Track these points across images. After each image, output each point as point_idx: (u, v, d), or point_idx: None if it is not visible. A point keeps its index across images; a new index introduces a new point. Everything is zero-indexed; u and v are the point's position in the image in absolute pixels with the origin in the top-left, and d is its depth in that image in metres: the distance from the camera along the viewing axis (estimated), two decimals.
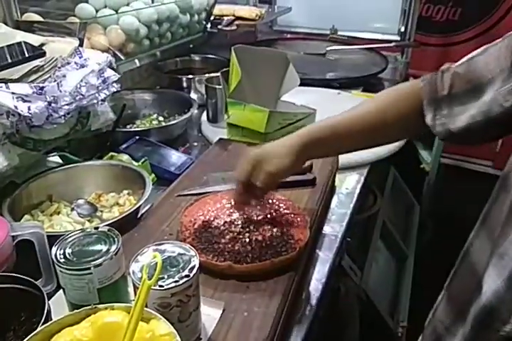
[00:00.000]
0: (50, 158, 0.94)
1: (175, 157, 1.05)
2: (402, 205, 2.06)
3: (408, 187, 2.09)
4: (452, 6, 2.06)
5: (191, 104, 1.24)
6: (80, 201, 0.86)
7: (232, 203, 0.77)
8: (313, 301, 0.74)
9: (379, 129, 0.69)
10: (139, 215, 0.80)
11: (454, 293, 0.62)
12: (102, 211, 0.84)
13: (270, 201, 0.81)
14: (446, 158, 2.31)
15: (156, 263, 0.47)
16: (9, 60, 0.85)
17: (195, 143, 1.23)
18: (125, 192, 0.87)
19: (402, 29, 1.87)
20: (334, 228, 0.90)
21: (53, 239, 0.63)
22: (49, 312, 0.47)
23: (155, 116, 1.31)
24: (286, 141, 0.70)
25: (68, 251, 0.54)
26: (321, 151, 0.73)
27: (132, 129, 1.20)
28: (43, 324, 0.44)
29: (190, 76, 1.40)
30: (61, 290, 0.59)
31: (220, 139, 1.09)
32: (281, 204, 0.80)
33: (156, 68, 1.48)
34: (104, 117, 0.93)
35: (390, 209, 1.75)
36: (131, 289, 0.58)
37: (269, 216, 0.76)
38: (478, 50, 0.60)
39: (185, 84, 1.40)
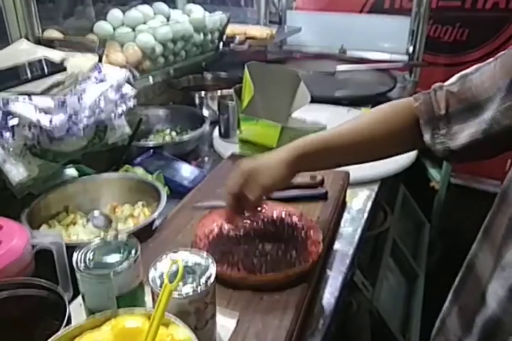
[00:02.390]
0: (66, 170, 0.95)
1: (188, 171, 1.07)
2: (411, 223, 2.05)
3: (418, 205, 2.08)
4: (460, 26, 2.10)
5: (203, 120, 1.27)
6: (96, 212, 0.86)
7: (224, 217, 0.76)
8: (326, 315, 0.74)
9: (370, 144, 0.69)
10: (153, 227, 0.81)
11: (462, 304, 0.62)
12: (117, 222, 0.85)
13: (283, 213, 0.82)
14: (456, 177, 2.30)
15: (175, 271, 0.47)
16: (29, 76, 0.89)
17: (207, 158, 1.25)
18: (140, 204, 0.88)
19: (411, 49, 1.90)
20: (346, 243, 0.90)
21: (70, 248, 0.64)
22: (70, 316, 0.48)
23: (168, 131, 1.33)
24: (279, 154, 0.70)
25: (89, 258, 0.55)
26: (312, 165, 0.73)
27: (147, 144, 1.22)
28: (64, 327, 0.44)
29: (203, 93, 1.43)
30: (77, 299, 0.60)
31: (233, 154, 1.11)
32: (294, 217, 0.81)
33: (170, 85, 1.52)
34: (120, 131, 0.95)
35: (400, 226, 1.75)
36: (147, 298, 0.58)
37: (282, 228, 0.77)
38: (470, 69, 0.61)
39: (197, 101, 1.43)
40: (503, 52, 0.58)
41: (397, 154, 0.71)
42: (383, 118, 0.69)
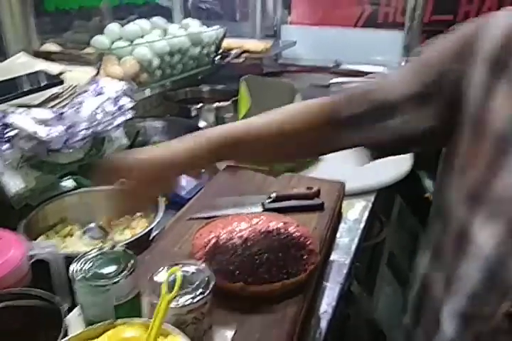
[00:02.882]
0: (64, 182, 0.96)
1: (185, 182, 1.07)
2: (408, 234, 2.05)
3: (414, 215, 2.09)
4: None
5: None
6: (92, 224, 0.87)
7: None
8: (324, 325, 0.74)
9: (282, 142, 0.67)
10: (151, 237, 0.81)
11: (423, 328, 0.60)
12: (114, 233, 0.86)
13: (280, 224, 0.82)
14: None
15: (173, 281, 0.48)
16: (27, 88, 0.89)
17: (203, 170, 1.26)
18: (137, 215, 0.88)
19: (404, 62, 1.93)
20: (342, 254, 0.90)
21: (68, 259, 0.64)
22: (66, 328, 0.48)
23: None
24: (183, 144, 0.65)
25: (86, 268, 0.55)
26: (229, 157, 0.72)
27: None
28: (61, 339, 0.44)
29: (199, 105, 1.44)
30: (74, 310, 0.59)
31: (228, 166, 1.11)
32: (291, 227, 0.81)
33: (166, 97, 1.53)
34: (118, 143, 0.96)
35: (396, 237, 1.75)
36: (145, 308, 0.58)
37: (279, 238, 0.78)
38: (391, 72, 0.63)
39: (194, 113, 1.44)
40: (416, 56, 0.59)
41: (309, 155, 0.73)
42: (296, 115, 0.68)
